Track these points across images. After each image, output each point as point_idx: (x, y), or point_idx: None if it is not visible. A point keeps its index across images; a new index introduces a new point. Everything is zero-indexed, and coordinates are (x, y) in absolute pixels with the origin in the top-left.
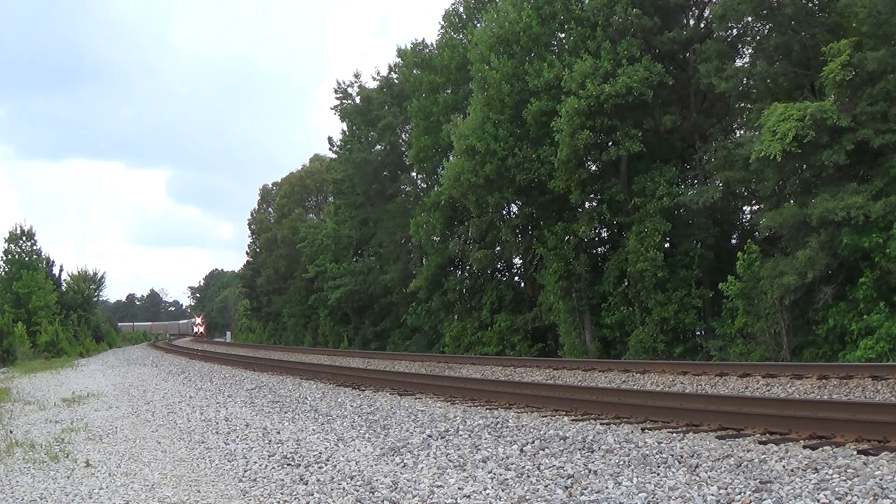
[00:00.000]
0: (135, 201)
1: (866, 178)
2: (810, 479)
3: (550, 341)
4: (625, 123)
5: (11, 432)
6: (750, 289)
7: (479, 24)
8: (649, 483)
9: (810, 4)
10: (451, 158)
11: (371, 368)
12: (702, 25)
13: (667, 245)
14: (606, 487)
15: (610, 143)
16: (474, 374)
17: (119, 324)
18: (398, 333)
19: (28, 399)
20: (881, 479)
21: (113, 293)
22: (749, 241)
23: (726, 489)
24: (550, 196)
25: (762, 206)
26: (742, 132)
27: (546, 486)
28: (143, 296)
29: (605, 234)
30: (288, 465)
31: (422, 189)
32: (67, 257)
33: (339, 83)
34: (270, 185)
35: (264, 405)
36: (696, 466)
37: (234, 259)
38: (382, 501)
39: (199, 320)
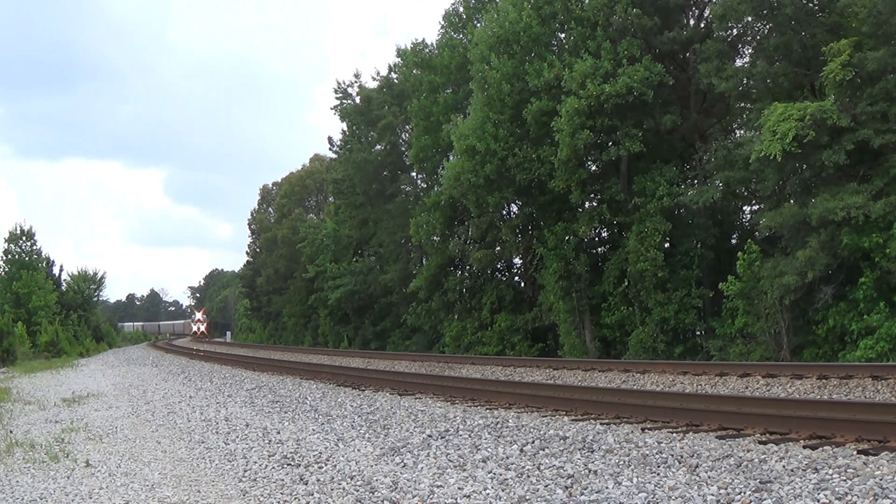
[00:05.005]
0: (133, 201)
1: (866, 178)
2: (810, 479)
3: (550, 341)
4: (625, 123)
5: (11, 432)
6: (750, 289)
7: (479, 24)
8: (649, 483)
9: (810, 4)
10: (451, 158)
11: (371, 368)
12: (702, 25)
13: (667, 245)
14: (606, 487)
15: (610, 143)
16: (474, 374)
17: (119, 324)
18: (398, 333)
19: (28, 399)
20: (881, 479)
21: (113, 293)
22: (749, 241)
23: (726, 489)
24: (550, 196)
25: (762, 206)
26: (742, 132)
27: (546, 486)
28: (143, 296)
29: (605, 234)
30: (288, 465)
31: (422, 189)
32: (67, 257)
33: (338, 83)
34: (270, 185)
35: (264, 405)
36: (696, 466)
37: (234, 259)
38: (382, 501)
39: (199, 316)
